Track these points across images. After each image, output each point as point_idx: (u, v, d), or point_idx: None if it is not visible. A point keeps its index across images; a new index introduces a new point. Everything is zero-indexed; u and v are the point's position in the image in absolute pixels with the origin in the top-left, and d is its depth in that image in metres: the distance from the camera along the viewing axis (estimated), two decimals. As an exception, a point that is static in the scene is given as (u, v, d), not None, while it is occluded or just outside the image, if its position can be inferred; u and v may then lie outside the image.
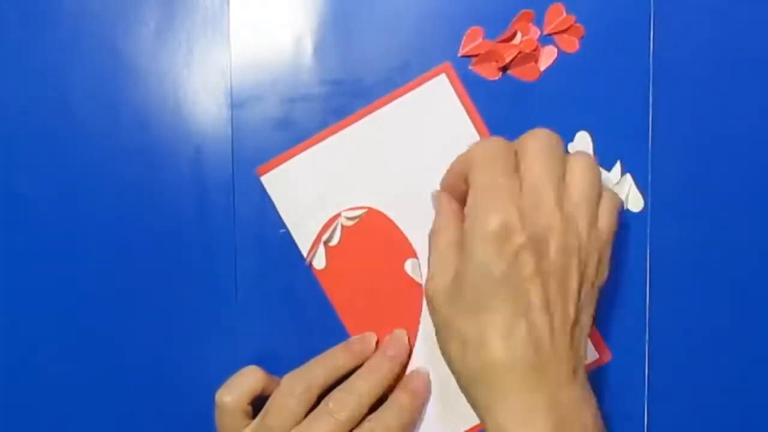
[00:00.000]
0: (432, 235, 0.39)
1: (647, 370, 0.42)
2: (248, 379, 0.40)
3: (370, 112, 0.42)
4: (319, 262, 0.42)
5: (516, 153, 0.37)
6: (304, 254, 0.42)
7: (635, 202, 0.42)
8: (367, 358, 0.41)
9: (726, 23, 0.41)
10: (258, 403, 0.40)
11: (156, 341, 0.43)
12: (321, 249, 0.42)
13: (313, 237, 0.42)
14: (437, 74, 0.41)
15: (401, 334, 0.41)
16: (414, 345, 0.42)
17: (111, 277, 0.43)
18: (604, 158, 0.41)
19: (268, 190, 0.42)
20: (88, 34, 0.42)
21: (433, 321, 0.38)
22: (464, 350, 0.36)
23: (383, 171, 0.42)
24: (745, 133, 0.42)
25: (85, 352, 0.43)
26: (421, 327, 0.42)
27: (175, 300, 0.43)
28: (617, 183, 0.41)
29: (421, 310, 0.42)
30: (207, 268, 0.43)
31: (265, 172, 0.42)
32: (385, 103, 0.42)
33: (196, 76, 0.42)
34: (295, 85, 0.42)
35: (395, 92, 0.42)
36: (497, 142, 0.37)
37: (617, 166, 0.41)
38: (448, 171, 0.40)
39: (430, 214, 0.40)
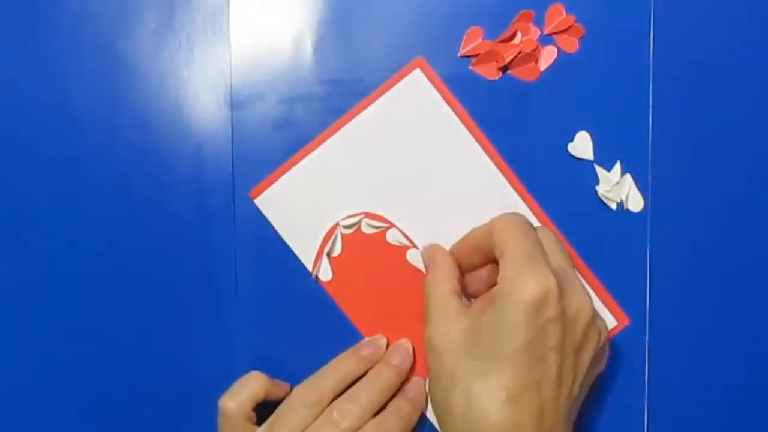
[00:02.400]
0: (430, 286, 0.39)
1: (647, 370, 0.42)
2: (252, 385, 0.40)
3: (350, 119, 0.42)
4: (325, 274, 0.42)
5: None
6: (309, 269, 0.42)
7: (635, 202, 0.42)
8: (376, 362, 0.41)
9: (726, 23, 0.41)
10: (260, 409, 0.40)
11: (155, 342, 0.43)
12: (325, 261, 0.42)
13: (316, 251, 0.42)
14: (411, 70, 0.41)
15: (405, 343, 0.42)
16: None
17: (110, 277, 0.43)
18: (604, 158, 0.42)
19: (264, 212, 0.42)
20: (88, 34, 0.42)
21: (434, 367, 0.38)
22: (468, 406, 0.36)
23: (373, 174, 0.42)
24: (745, 133, 0.42)
25: (84, 352, 0.43)
26: None
27: (175, 300, 0.43)
28: (617, 183, 0.41)
29: None
30: (207, 268, 0.43)
31: (258, 195, 0.42)
32: (364, 108, 0.42)
33: (196, 75, 0.42)
34: (295, 84, 0.42)
35: (372, 95, 0.42)
36: (522, 217, 0.39)
37: (617, 166, 0.41)
38: (463, 242, 0.41)
39: (426, 208, 0.41)
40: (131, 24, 0.42)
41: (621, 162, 0.41)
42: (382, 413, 0.40)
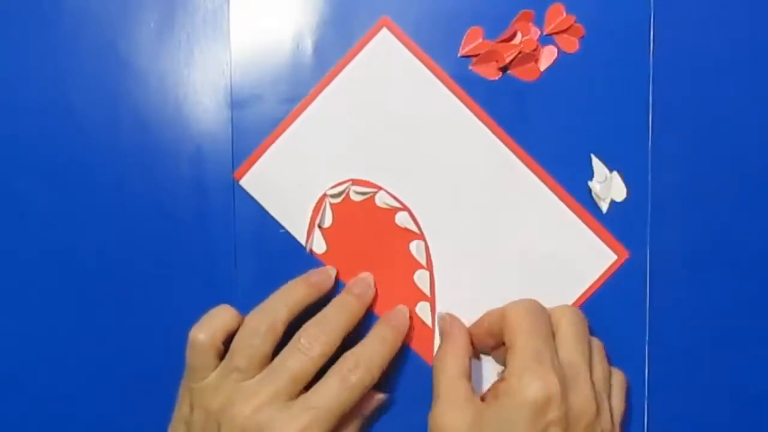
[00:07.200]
0: (441, 363, 0.39)
1: (647, 371, 0.42)
2: (223, 318, 0.40)
3: (323, 88, 0.42)
4: (318, 246, 0.42)
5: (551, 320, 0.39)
6: (304, 244, 0.42)
7: (618, 192, 0.42)
8: (326, 291, 0.41)
9: (726, 23, 0.41)
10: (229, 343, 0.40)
11: (155, 341, 0.43)
12: (317, 233, 0.42)
13: (307, 224, 0.42)
14: (378, 30, 0.41)
15: (366, 275, 0.42)
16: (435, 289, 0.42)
17: (111, 277, 0.43)
18: (604, 158, 0.41)
19: (251, 193, 0.42)
20: (88, 34, 0.42)
21: None
22: None
23: (354, 140, 0.42)
24: (746, 133, 0.42)
25: (84, 352, 0.43)
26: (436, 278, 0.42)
27: (175, 300, 0.43)
28: (604, 181, 0.41)
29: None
30: (207, 268, 0.43)
31: (241, 176, 0.42)
32: (336, 75, 0.42)
33: (196, 75, 0.42)
34: (295, 84, 0.42)
35: (342, 60, 0.41)
36: (536, 306, 0.39)
37: (601, 166, 0.41)
38: (477, 325, 0.41)
39: (411, 167, 0.41)
40: (131, 24, 0.42)
41: (619, 171, 0.42)
42: (365, 340, 0.40)
